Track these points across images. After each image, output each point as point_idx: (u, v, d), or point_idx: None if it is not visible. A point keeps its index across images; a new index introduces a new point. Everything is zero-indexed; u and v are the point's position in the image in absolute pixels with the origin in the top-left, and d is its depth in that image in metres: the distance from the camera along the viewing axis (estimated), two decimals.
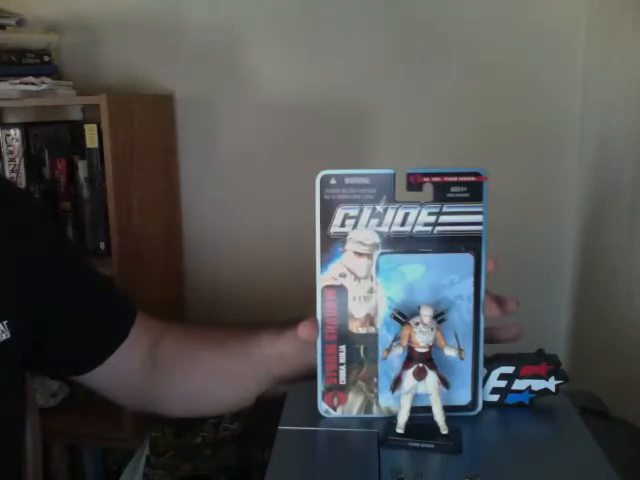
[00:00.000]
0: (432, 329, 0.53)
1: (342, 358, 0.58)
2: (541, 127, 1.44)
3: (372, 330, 0.58)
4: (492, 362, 0.59)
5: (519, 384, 0.59)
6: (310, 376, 0.60)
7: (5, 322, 0.66)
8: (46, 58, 1.44)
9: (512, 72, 1.43)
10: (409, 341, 0.54)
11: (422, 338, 0.53)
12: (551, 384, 0.59)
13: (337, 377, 0.58)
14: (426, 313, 0.53)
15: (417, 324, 0.53)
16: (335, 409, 0.59)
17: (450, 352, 0.55)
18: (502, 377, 0.59)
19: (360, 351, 0.58)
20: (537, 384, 0.59)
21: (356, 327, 0.58)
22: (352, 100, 1.49)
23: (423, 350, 0.54)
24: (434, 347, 0.54)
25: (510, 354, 0.60)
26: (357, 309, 0.58)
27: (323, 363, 0.58)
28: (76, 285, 0.76)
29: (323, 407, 0.59)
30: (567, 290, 1.49)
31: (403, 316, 0.55)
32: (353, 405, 0.59)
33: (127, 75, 1.55)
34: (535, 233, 1.49)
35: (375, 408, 0.59)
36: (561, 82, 1.42)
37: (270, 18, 1.49)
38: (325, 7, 1.47)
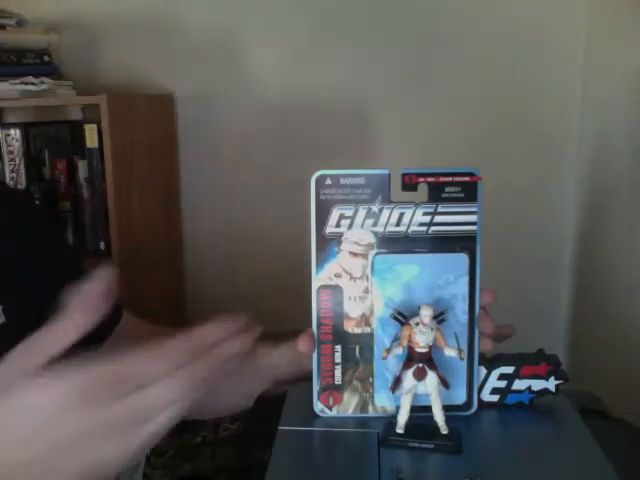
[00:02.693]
0: (432, 329, 0.53)
1: (337, 358, 0.58)
2: (541, 126, 1.44)
3: (367, 330, 0.58)
4: (492, 362, 0.59)
5: (519, 384, 0.59)
6: (307, 377, 0.60)
7: (0, 307, 0.66)
8: (46, 58, 1.44)
9: (512, 72, 1.43)
10: (409, 341, 0.54)
11: (422, 338, 0.53)
12: (551, 384, 0.59)
13: (332, 377, 0.58)
14: (426, 313, 0.53)
15: (417, 324, 0.53)
16: (331, 409, 0.59)
17: (450, 352, 0.55)
18: (502, 377, 0.59)
19: (355, 351, 0.58)
20: (537, 384, 0.59)
21: (351, 327, 0.58)
22: (352, 100, 1.49)
23: (423, 350, 0.54)
24: (434, 347, 0.54)
25: (510, 354, 0.60)
26: (352, 309, 0.58)
27: (319, 363, 0.58)
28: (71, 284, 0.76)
29: (319, 406, 0.59)
30: (567, 290, 1.49)
31: (403, 316, 0.55)
32: (349, 405, 0.59)
33: (127, 75, 1.56)
34: (535, 233, 1.49)
35: (370, 407, 0.59)
36: (561, 82, 1.42)
37: (270, 18, 1.49)
38: (325, 7, 1.47)
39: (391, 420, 0.55)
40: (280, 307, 1.27)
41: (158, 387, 0.42)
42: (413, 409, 0.54)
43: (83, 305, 0.44)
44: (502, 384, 0.59)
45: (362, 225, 0.56)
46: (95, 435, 0.42)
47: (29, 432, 0.42)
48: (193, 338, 0.45)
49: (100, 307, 0.44)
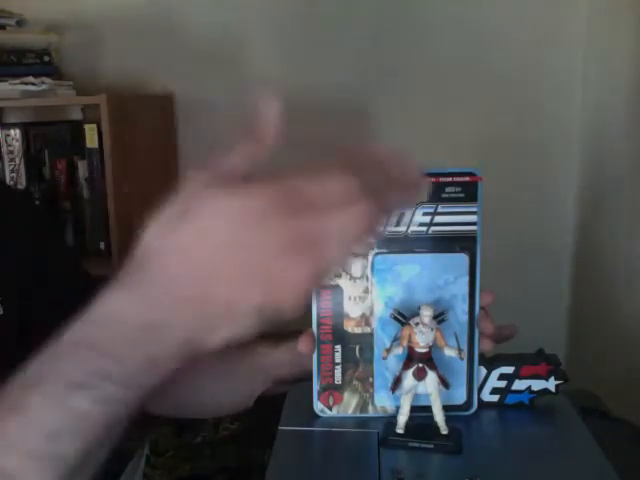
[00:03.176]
0: (432, 329, 0.53)
1: (337, 358, 0.58)
2: (541, 126, 1.44)
3: (367, 330, 0.58)
4: (492, 362, 0.59)
5: (519, 384, 0.59)
6: (307, 376, 0.60)
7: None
8: (46, 58, 1.44)
9: (512, 71, 1.43)
10: (409, 341, 0.54)
11: (422, 338, 0.53)
12: (551, 384, 0.59)
13: (332, 377, 0.58)
14: (426, 313, 0.53)
15: (417, 324, 0.53)
16: (331, 409, 0.59)
17: (450, 352, 0.55)
18: (502, 377, 0.59)
19: (355, 351, 0.58)
20: (537, 384, 0.59)
21: (351, 327, 0.58)
22: (352, 100, 1.49)
23: (423, 350, 0.54)
24: (434, 347, 0.54)
25: (510, 354, 0.60)
26: (352, 309, 0.58)
27: (319, 363, 0.58)
28: (69, 284, 0.76)
29: (319, 406, 0.59)
30: (567, 290, 1.49)
31: (403, 316, 0.55)
32: (349, 405, 0.59)
33: (127, 75, 1.56)
34: (535, 232, 1.49)
35: (370, 407, 0.59)
36: (561, 81, 1.42)
37: (270, 18, 1.49)
38: (325, 7, 1.47)
39: (391, 420, 0.55)
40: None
41: (338, 210, 0.38)
42: (413, 409, 0.54)
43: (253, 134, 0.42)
44: (502, 384, 0.59)
45: None
46: (270, 256, 0.38)
47: (207, 253, 0.39)
48: (373, 168, 0.40)
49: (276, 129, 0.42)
